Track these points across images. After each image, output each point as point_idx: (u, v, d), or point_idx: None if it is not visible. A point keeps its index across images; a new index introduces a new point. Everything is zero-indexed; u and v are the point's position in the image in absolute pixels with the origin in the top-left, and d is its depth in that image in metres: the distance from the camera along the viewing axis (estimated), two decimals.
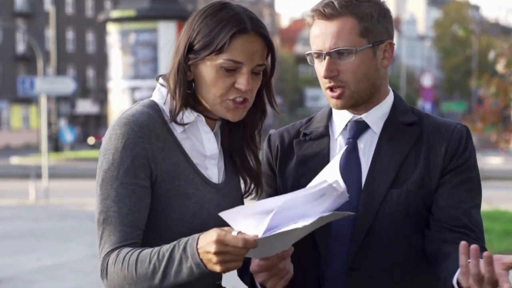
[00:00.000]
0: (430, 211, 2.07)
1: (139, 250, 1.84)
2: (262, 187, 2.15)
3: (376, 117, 2.14)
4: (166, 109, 1.99)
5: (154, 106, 1.98)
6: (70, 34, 58.35)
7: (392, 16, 2.15)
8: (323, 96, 2.44)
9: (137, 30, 17.98)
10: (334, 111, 2.20)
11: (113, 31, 18.42)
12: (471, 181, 2.09)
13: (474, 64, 52.82)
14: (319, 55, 2.09)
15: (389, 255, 2.06)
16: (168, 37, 16.65)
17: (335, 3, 2.05)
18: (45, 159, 17.02)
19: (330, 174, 1.92)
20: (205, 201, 1.97)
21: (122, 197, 1.88)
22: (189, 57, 1.96)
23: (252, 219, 1.75)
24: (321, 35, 2.07)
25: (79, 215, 12.81)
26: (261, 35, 1.95)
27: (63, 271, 8.30)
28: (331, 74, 2.06)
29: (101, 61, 56.08)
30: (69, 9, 58.44)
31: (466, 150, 2.09)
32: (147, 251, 1.83)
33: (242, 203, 2.12)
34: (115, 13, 18.87)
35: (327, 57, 2.06)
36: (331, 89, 2.09)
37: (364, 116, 2.14)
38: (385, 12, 2.10)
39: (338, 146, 2.15)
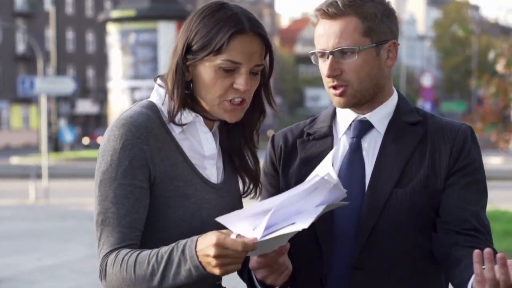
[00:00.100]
0: (437, 213, 2.06)
1: (138, 252, 1.83)
2: (261, 187, 2.15)
3: (380, 116, 2.14)
4: (164, 109, 1.99)
5: (152, 107, 1.98)
6: (70, 34, 58.34)
7: (396, 17, 2.15)
8: (323, 96, 2.44)
9: (137, 30, 17.96)
10: (338, 111, 2.19)
11: (113, 31, 18.40)
12: (478, 183, 2.08)
13: (474, 64, 52.81)
14: (322, 54, 2.09)
15: (393, 254, 2.05)
16: (168, 37, 16.66)
17: (339, 2, 2.05)
18: (45, 159, 17.02)
19: (323, 169, 1.91)
20: (204, 201, 1.97)
21: (121, 198, 1.88)
22: (187, 58, 1.95)
23: (250, 221, 1.75)
24: (325, 35, 2.07)
25: (79, 215, 12.81)
26: (259, 35, 1.95)
27: (63, 271, 8.30)
28: (334, 73, 2.06)
29: (101, 61, 56.07)
30: (69, 9, 58.42)
31: (472, 150, 2.08)
32: (146, 252, 1.82)
33: (241, 203, 2.12)
34: (115, 13, 18.84)
35: (330, 56, 2.06)
36: (335, 88, 2.09)
37: (368, 116, 2.13)
38: (389, 12, 2.10)
39: (342, 146, 2.15)
